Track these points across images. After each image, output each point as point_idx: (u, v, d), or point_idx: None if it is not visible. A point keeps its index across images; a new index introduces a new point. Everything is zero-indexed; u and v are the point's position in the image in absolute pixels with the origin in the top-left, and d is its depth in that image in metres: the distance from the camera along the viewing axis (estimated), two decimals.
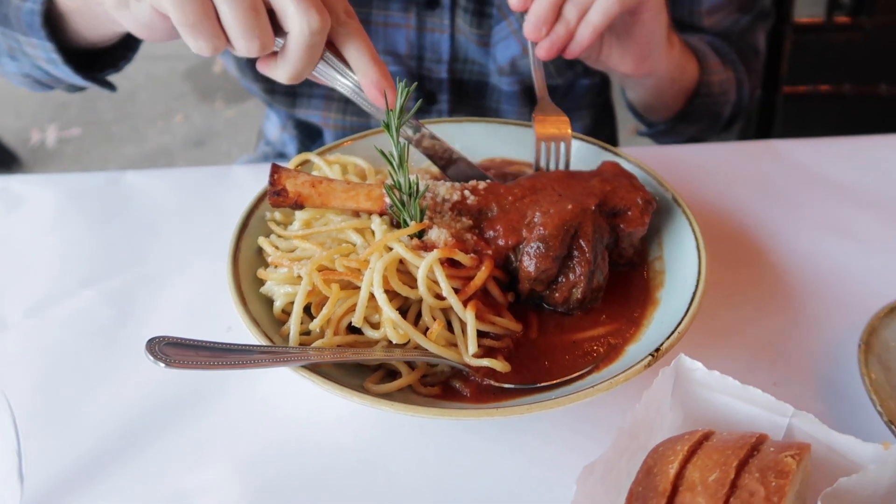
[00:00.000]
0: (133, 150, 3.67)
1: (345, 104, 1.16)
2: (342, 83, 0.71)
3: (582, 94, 1.21)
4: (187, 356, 0.56)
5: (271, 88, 1.14)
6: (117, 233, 0.88)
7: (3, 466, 0.41)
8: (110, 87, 0.95)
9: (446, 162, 0.79)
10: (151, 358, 0.55)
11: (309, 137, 1.29)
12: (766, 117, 1.73)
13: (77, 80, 0.89)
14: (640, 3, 0.80)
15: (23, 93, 4.59)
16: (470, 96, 1.14)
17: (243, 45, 0.63)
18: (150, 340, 0.56)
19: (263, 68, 0.69)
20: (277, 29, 0.64)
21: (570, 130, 0.83)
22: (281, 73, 0.68)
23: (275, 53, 0.68)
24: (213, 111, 3.93)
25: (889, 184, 0.97)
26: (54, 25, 0.83)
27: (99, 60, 0.92)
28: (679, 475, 0.43)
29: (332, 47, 0.70)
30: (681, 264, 0.73)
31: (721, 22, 1.14)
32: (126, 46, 0.93)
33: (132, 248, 0.86)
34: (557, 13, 0.78)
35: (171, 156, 3.59)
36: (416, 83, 0.79)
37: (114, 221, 0.90)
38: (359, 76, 0.70)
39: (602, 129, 1.31)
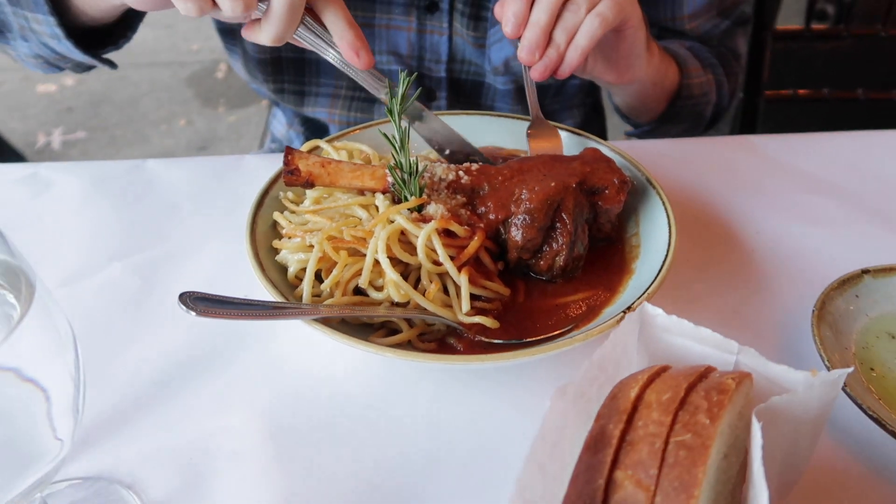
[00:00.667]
0: (136, 154, 3.75)
1: (349, 101, 1.24)
2: (322, 47, 0.78)
3: (573, 93, 1.28)
4: (213, 308, 0.64)
5: (280, 88, 1.22)
6: (141, 214, 0.96)
7: (62, 400, 0.48)
8: (111, 64, 1.02)
9: (446, 144, 0.88)
10: (184, 308, 0.62)
11: (315, 133, 1.37)
12: (749, 119, 1.82)
13: (79, 55, 0.95)
14: (622, 21, 0.87)
15: (28, 98, 4.64)
16: (467, 94, 1.21)
17: (228, 6, 0.70)
18: (182, 294, 0.64)
19: (248, 34, 0.76)
20: None
21: (561, 145, 0.92)
22: (264, 35, 0.75)
23: (258, 21, 0.75)
24: (216, 116, 4.01)
25: (850, 175, 1.05)
26: (58, 2, 0.90)
27: (101, 40, 0.98)
28: (638, 398, 0.51)
29: (311, 13, 0.76)
30: (654, 239, 0.81)
31: (701, 26, 1.21)
32: (126, 26, 1.00)
33: (155, 228, 0.94)
34: (548, 38, 0.84)
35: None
36: (416, 73, 0.88)
37: (137, 204, 0.98)
38: (335, 38, 0.77)
39: (592, 126, 1.39)
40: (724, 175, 1.05)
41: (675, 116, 1.22)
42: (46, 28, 0.92)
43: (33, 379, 0.43)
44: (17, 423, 0.44)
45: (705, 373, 0.52)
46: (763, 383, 0.54)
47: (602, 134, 1.48)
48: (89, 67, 1.04)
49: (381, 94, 0.83)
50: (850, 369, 0.52)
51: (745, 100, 1.84)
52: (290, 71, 1.21)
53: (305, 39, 0.78)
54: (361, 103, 1.23)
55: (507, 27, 0.85)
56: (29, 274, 0.44)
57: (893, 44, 1.79)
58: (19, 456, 0.45)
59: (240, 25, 1.12)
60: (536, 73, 0.85)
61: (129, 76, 4.53)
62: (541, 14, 0.83)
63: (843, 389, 0.67)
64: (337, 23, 0.76)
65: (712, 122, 1.33)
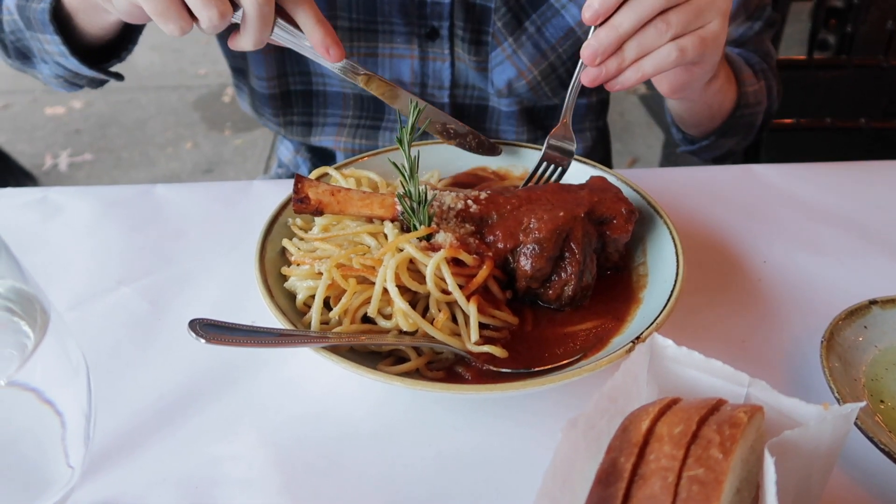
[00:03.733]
0: (143, 176, 3.78)
1: (354, 129, 1.25)
2: (299, 45, 0.80)
3: (581, 114, 1.29)
4: (222, 336, 0.64)
5: (289, 121, 1.24)
6: (149, 238, 0.97)
7: (74, 427, 0.48)
8: (118, 76, 1.06)
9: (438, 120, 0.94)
10: (193, 335, 0.62)
11: (321, 159, 1.38)
12: (753, 148, 1.83)
13: (87, 71, 1.00)
14: (697, 61, 0.84)
15: (36, 120, 4.69)
16: (471, 118, 1.23)
17: (205, 16, 0.73)
18: (192, 321, 0.64)
19: (233, 44, 0.79)
20: (235, 6, 0.74)
21: (572, 156, 0.93)
22: (245, 41, 0.78)
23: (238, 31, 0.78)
24: (222, 139, 4.04)
25: (855, 204, 1.06)
26: (63, 23, 0.95)
27: (106, 55, 1.03)
28: (650, 430, 0.51)
29: (285, 15, 0.79)
30: (662, 268, 0.81)
31: (734, 31, 1.21)
32: (127, 39, 1.03)
33: (163, 252, 0.94)
34: (620, 46, 0.81)
35: (180, 182, 3.70)
36: (426, 104, 0.89)
37: (146, 228, 0.99)
38: (307, 36, 0.79)
39: (598, 150, 1.39)
40: (730, 204, 1.05)
41: (731, 129, 1.19)
42: (55, 48, 0.96)
43: (51, 402, 0.43)
44: (35, 446, 0.44)
45: (717, 406, 0.52)
46: (774, 416, 0.54)
47: (607, 158, 1.48)
48: (102, 82, 1.08)
49: (359, 80, 0.86)
50: (863, 403, 0.52)
51: None
52: (298, 104, 1.23)
53: (282, 39, 0.80)
54: (366, 130, 1.24)
55: (588, 13, 0.80)
56: (44, 302, 0.45)
57: (895, 74, 1.81)
58: (34, 481, 0.45)
59: (244, 63, 1.13)
60: (588, 78, 0.84)
61: (137, 99, 4.57)
62: (625, 20, 0.79)
63: (855, 423, 0.67)
64: (307, 22, 0.79)
65: (762, 129, 1.30)
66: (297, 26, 0.80)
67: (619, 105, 4.79)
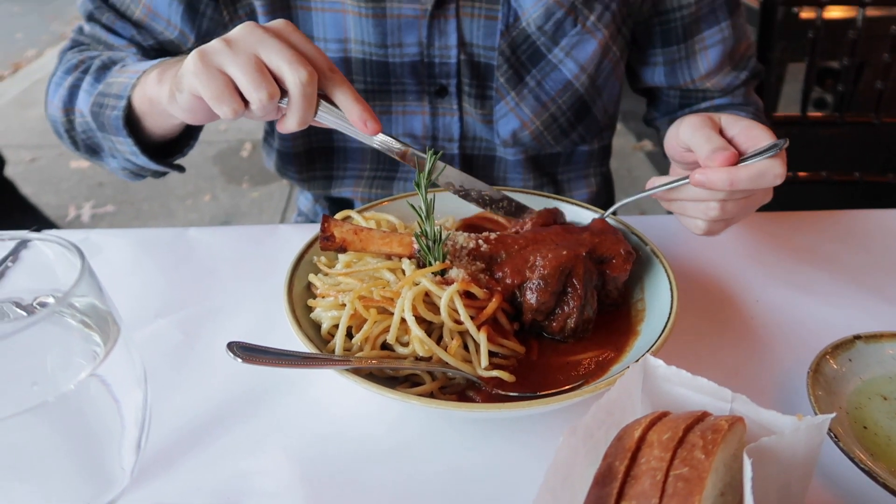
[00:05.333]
0: (162, 227, 3.89)
1: (371, 180, 1.34)
2: (342, 125, 0.87)
3: (583, 160, 1.37)
4: (257, 356, 0.71)
5: (312, 177, 1.33)
6: (183, 276, 1.05)
7: (131, 432, 0.54)
8: (181, 168, 1.15)
9: (470, 188, 1.00)
10: (231, 355, 0.69)
11: (339, 208, 1.47)
12: None
13: (153, 166, 1.10)
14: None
15: (62, 173, 4.83)
16: (480, 168, 1.31)
17: (256, 97, 0.80)
18: (230, 343, 0.71)
19: (280, 127, 0.86)
20: (283, 92, 0.82)
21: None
22: (290, 122, 0.85)
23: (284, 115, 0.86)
24: (240, 192, 4.17)
25: (841, 249, 1.12)
26: (133, 126, 1.05)
27: (170, 150, 1.13)
28: (642, 438, 0.57)
29: (325, 97, 0.87)
30: (658, 303, 0.87)
31: (720, 81, 1.27)
32: (189, 135, 1.13)
33: (197, 289, 1.02)
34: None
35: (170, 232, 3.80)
36: (441, 152, 0.97)
37: (180, 267, 1.07)
38: (346, 114, 0.86)
39: (601, 196, 1.46)
40: (725, 248, 1.12)
41: None
42: (127, 148, 1.06)
43: (118, 401, 0.50)
44: (99, 441, 0.50)
45: (702, 417, 0.58)
46: (755, 428, 0.60)
47: (611, 203, 1.54)
48: (164, 173, 1.18)
49: (395, 153, 0.92)
50: (833, 415, 0.58)
51: None
52: (320, 160, 1.32)
53: (326, 120, 0.87)
54: (382, 181, 1.33)
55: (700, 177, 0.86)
56: (115, 316, 0.52)
57: (887, 130, 1.90)
58: (94, 476, 0.51)
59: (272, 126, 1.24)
60: (697, 229, 0.94)
61: None
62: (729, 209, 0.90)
63: (835, 442, 0.72)
64: (345, 101, 0.86)
65: None
66: (336, 106, 0.87)
67: (627, 161, 4.91)
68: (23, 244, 0.57)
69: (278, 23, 0.85)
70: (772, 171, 0.84)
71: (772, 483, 0.57)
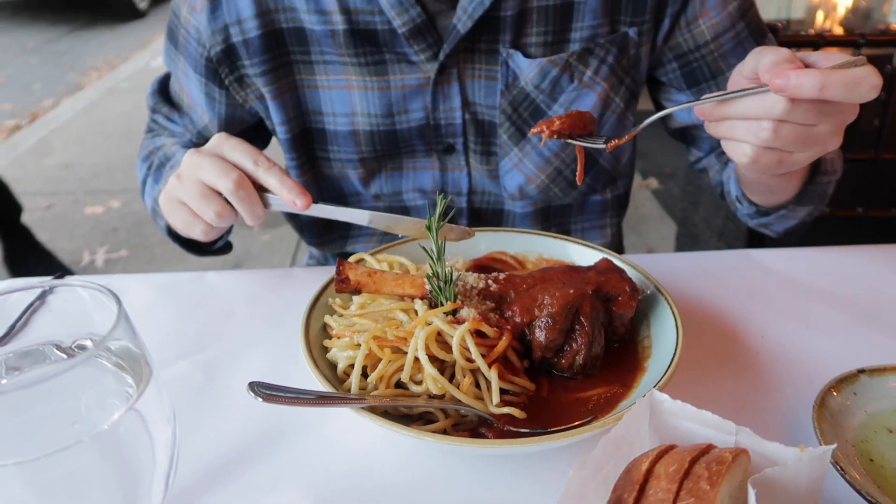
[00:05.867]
0: (175, 270, 3.94)
1: (382, 235, 1.38)
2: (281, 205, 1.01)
3: (597, 210, 1.37)
4: (277, 395, 0.73)
5: (329, 241, 1.40)
6: (202, 319, 1.08)
7: (161, 468, 0.56)
8: (227, 249, 1.27)
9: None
10: (252, 394, 0.72)
11: (349, 254, 1.51)
12: (757, 235, 1.94)
13: (204, 255, 1.27)
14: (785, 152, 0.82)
15: (77, 218, 4.91)
16: (488, 221, 1.33)
17: (208, 218, 1.00)
18: (251, 383, 0.74)
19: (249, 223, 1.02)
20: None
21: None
22: (245, 220, 1.02)
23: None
24: (250, 235, 4.22)
25: (848, 285, 1.15)
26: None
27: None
28: (649, 471, 0.59)
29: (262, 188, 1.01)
30: (664, 340, 0.90)
31: None
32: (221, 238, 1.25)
33: (215, 330, 1.05)
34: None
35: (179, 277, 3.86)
36: (450, 197, 1.01)
37: (199, 310, 1.10)
38: (281, 198, 0.99)
39: (611, 246, 1.47)
40: (730, 285, 1.15)
41: (806, 198, 1.12)
42: (175, 244, 1.25)
43: (151, 438, 0.52)
44: (133, 474, 0.53)
45: (707, 449, 0.60)
46: (759, 460, 0.62)
47: (619, 250, 1.57)
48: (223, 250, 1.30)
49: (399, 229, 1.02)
50: (835, 445, 0.60)
51: None
52: (337, 227, 1.37)
53: (278, 206, 1.01)
54: (392, 237, 1.37)
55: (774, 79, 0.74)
56: (148, 358, 0.55)
57: (888, 167, 1.93)
58: None
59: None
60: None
61: None
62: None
63: (841, 475, 0.74)
64: (274, 188, 0.99)
65: (827, 202, 1.22)
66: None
67: (634, 199, 4.95)
68: (49, 290, 0.61)
69: (212, 140, 1.01)
70: (868, 79, 0.73)
71: None
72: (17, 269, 3.67)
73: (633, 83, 1.24)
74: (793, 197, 1.12)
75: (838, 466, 0.74)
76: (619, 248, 1.57)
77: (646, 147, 5.38)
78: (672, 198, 4.73)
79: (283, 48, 1.17)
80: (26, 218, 3.68)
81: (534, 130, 0.90)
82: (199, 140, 1.37)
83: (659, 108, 1.32)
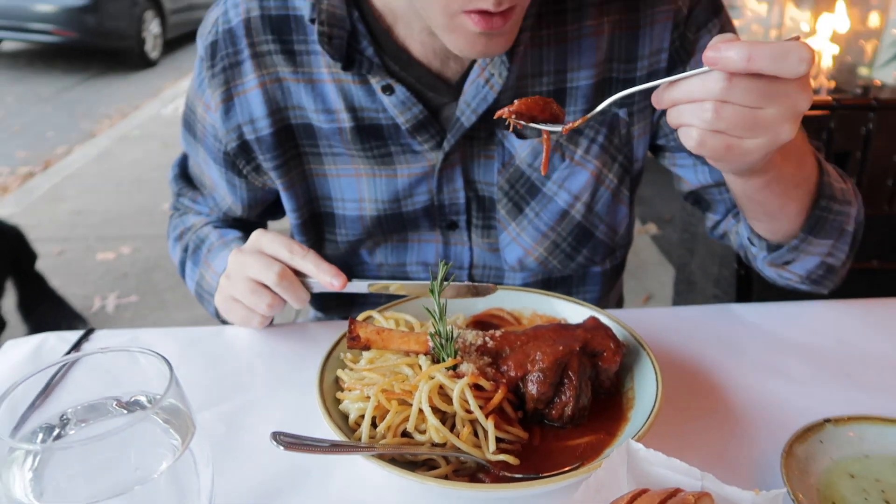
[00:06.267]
0: (183, 316, 4.03)
1: (388, 298, 1.46)
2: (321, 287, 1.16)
3: (597, 280, 1.41)
4: (297, 444, 0.82)
5: (332, 307, 1.49)
6: (223, 371, 1.17)
7: None
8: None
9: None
10: (275, 443, 0.81)
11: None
12: (745, 290, 2.03)
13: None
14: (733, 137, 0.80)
15: (88, 265, 5.03)
16: None
17: (261, 311, 1.19)
18: (273, 433, 0.83)
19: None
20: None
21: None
22: (292, 305, 1.17)
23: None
24: None
25: (815, 337, 1.24)
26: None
27: None
28: None
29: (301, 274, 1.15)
30: (646, 392, 0.99)
31: None
32: None
33: (235, 383, 1.14)
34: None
35: (218, 322, 3.95)
36: (451, 262, 1.11)
37: (220, 363, 1.19)
38: (319, 281, 1.14)
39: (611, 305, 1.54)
40: (709, 339, 1.24)
41: (819, 227, 1.09)
42: (209, 309, 1.38)
43: (197, 482, 0.62)
44: None
45: (675, 492, 0.69)
46: (721, 501, 0.70)
47: (619, 301, 1.64)
48: None
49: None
50: (784, 490, 0.69)
51: (743, 274, 2.06)
52: (345, 296, 1.43)
53: (318, 288, 1.15)
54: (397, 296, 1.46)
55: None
56: (193, 416, 0.65)
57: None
58: None
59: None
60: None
61: None
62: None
63: None
64: (312, 273, 1.14)
65: (852, 245, 1.19)
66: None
67: (633, 245, 5.03)
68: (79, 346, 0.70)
69: (251, 238, 1.18)
70: (798, 50, 0.72)
71: None
72: (29, 316, 3.75)
73: (627, 160, 1.28)
74: (800, 225, 1.09)
75: (794, 497, 0.82)
76: (619, 300, 1.64)
77: (645, 193, 5.50)
78: (671, 243, 4.83)
79: (293, 142, 1.25)
80: (39, 264, 3.78)
81: (499, 113, 0.90)
82: (226, 218, 1.47)
83: (668, 172, 1.36)
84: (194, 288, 1.41)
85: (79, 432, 0.63)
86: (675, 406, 1.05)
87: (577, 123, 0.90)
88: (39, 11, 9.38)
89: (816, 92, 3.75)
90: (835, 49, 3.97)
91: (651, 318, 1.31)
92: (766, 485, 0.93)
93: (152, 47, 10.55)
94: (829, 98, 1.92)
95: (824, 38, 4.01)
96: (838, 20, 4.12)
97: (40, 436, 0.62)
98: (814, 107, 1.90)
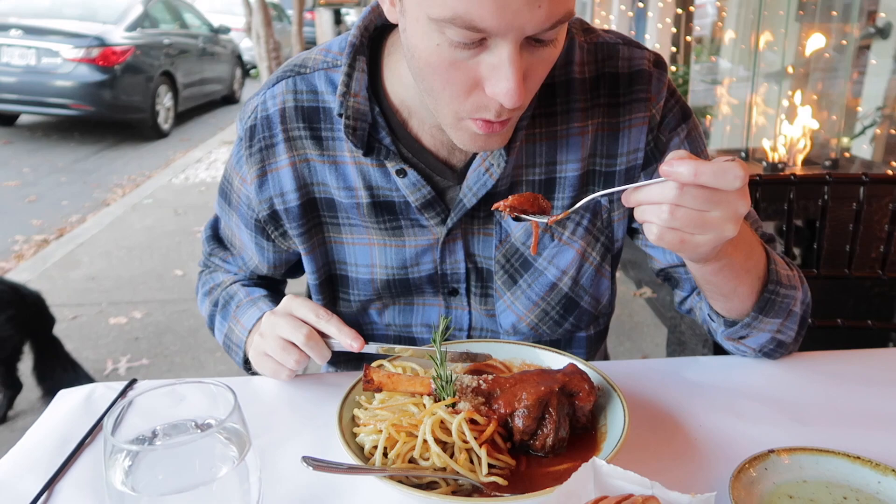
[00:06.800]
0: (193, 377, 4.17)
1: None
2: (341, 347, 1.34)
3: (583, 345, 1.54)
4: (323, 466, 1.00)
5: (341, 361, 1.65)
6: (252, 413, 1.32)
7: None
8: None
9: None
10: (304, 464, 0.99)
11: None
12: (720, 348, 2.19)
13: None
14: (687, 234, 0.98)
15: (101, 330, 5.18)
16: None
17: (290, 365, 1.34)
18: (304, 457, 1.01)
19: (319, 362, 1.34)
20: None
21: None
22: (316, 361, 1.33)
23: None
24: None
25: (768, 383, 1.41)
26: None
27: None
28: None
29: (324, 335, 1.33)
30: (616, 426, 1.16)
31: None
32: None
33: (263, 424, 1.31)
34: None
35: (244, 373, 4.09)
36: (450, 317, 1.30)
37: (249, 406, 1.35)
38: (341, 342, 1.32)
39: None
40: (676, 387, 1.41)
41: (768, 307, 1.26)
42: (236, 359, 1.60)
43: (249, 488, 0.79)
44: None
45: (628, 497, 0.86)
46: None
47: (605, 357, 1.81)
48: None
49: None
50: (714, 493, 0.86)
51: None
52: (366, 359, 1.62)
53: (338, 347, 1.32)
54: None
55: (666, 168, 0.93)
56: (248, 436, 0.83)
57: (858, 284, 2.20)
58: None
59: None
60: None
61: (191, 310, 5.11)
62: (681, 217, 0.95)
63: None
64: (334, 334, 1.32)
65: (802, 324, 1.38)
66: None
67: (628, 307, 5.23)
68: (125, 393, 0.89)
69: (283, 302, 1.35)
70: (733, 170, 0.90)
71: None
72: (44, 379, 3.85)
73: (608, 240, 1.45)
74: (751, 306, 1.27)
75: None
76: (604, 356, 1.81)
77: (638, 258, 5.72)
78: (664, 305, 5.02)
79: (316, 213, 1.43)
80: (54, 328, 3.94)
81: (495, 206, 1.16)
82: (252, 276, 1.68)
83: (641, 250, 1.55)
84: (223, 340, 1.60)
85: (163, 441, 0.81)
86: (643, 441, 1.22)
87: (560, 217, 1.14)
88: (59, 87, 9.82)
89: (783, 167, 4.01)
90: (813, 124, 4.26)
91: (625, 368, 1.49)
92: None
93: (165, 119, 10.98)
94: (789, 174, 2.14)
95: (799, 114, 4.31)
96: (812, 97, 4.43)
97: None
98: (777, 181, 2.13)
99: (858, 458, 1.13)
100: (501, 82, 1.03)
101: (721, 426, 1.28)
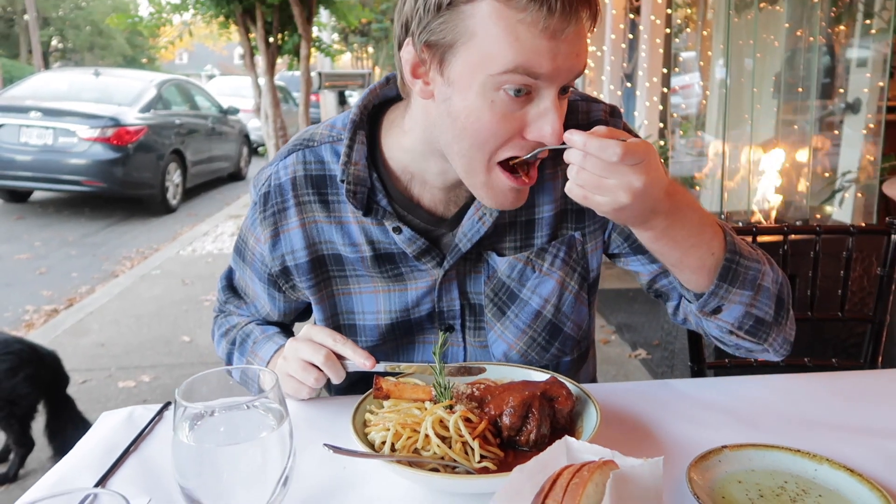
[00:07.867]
0: None
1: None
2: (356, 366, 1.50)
3: (569, 369, 1.69)
4: (342, 451, 1.19)
5: (347, 388, 1.81)
6: None
7: (282, 473, 1.01)
8: None
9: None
10: (328, 449, 1.18)
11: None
12: (700, 370, 2.38)
13: None
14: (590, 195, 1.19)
15: (110, 393, 5.30)
16: None
17: (310, 383, 1.49)
18: (325, 443, 1.20)
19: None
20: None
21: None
22: (333, 380, 1.49)
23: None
24: None
25: (729, 398, 1.61)
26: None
27: None
28: (559, 474, 1.02)
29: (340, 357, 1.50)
30: (590, 425, 1.35)
31: None
32: None
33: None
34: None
35: None
36: (447, 334, 1.51)
37: None
38: (355, 362, 1.48)
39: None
40: (649, 404, 1.59)
41: (732, 276, 1.35)
42: (253, 391, 1.71)
43: (286, 450, 1.00)
44: (275, 469, 0.99)
45: (588, 462, 1.05)
46: (624, 469, 1.06)
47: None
48: None
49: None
50: (662, 457, 1.05)
51: (696, 368, 2.43)
52: (358, 383, 1.76)
53: (353, 368, 1.50)
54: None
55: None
56: (286, 410, 1.03)
57: (821, 325, 2.41)
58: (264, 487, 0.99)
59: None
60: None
61: (206, 356, 5.25)
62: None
63: (696, 499, 1.17)
64: (349, 355, 1.48)
65: (779, 304, 1.46)
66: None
67: (624, 368, 5.38)
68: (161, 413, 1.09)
69: (304, 330, 1.49)
70: (612, 147, 1.10)
71: (633, 499, 1.03)
72: (55, 438, 3.96)
73: (584, 270, 1.62)
74: (708, 278, 1.35)
75: (693, 491, 1.17)
76: (592, 378, 1.98)
77: (635, 322, 5.92)
78: (657, 363, 5.19)
79: (324, 268, 1.60)
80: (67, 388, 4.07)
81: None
82: (263, 322, 1.88)
83: (654, 304, 1.79)
84: (239, 378, 1.76)
85: (220, 412, 1.02)
86: (614, 441, 1.40)
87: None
88: (73, 164, 10.20)
89: (763, 231, 4.27)
90: (786, 189, 4.56)
91: (605, 390, 1.68)
92: (677, 492, 1.28)
93: (173, 195, 11.34)
94: (782, 225, 2.35)
95: (773, 174, 4.61)
96: (786, 167, 4.75)
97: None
98: (769, 230, 2.35)
99: (798, 451, 1.33)
100: (548, 125, 1.23)
101: (685, 431, 1.47)
